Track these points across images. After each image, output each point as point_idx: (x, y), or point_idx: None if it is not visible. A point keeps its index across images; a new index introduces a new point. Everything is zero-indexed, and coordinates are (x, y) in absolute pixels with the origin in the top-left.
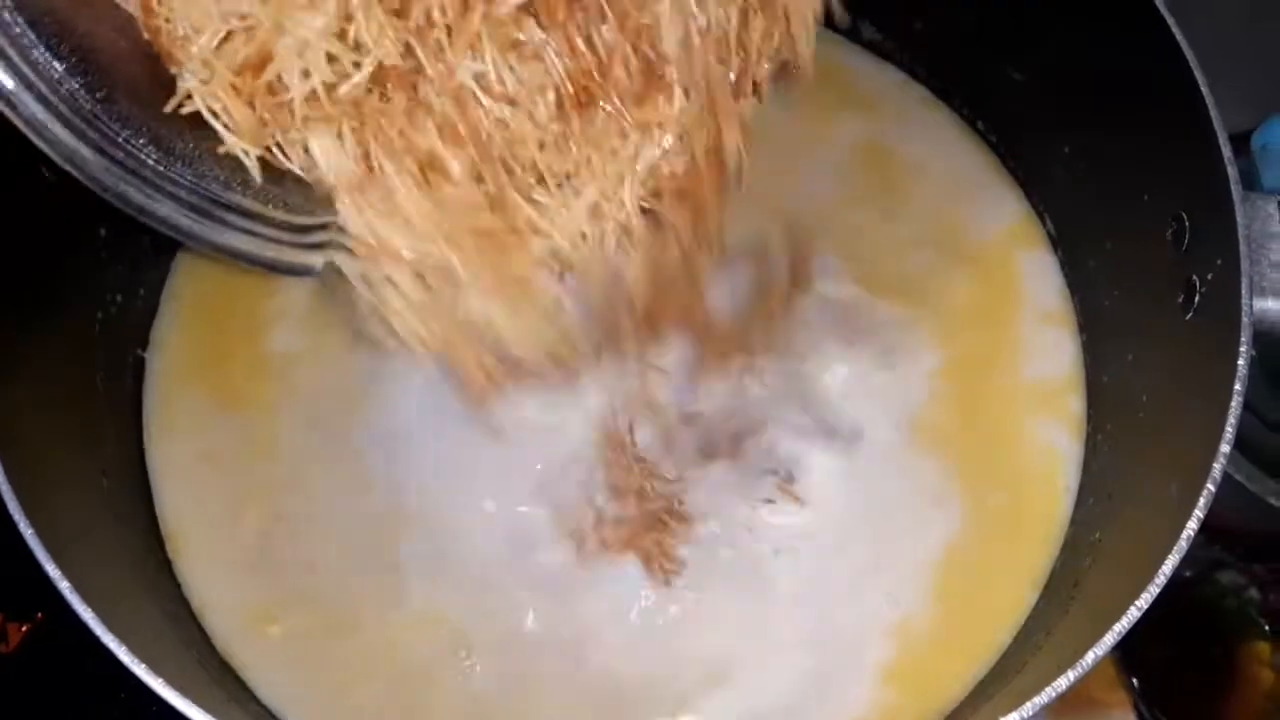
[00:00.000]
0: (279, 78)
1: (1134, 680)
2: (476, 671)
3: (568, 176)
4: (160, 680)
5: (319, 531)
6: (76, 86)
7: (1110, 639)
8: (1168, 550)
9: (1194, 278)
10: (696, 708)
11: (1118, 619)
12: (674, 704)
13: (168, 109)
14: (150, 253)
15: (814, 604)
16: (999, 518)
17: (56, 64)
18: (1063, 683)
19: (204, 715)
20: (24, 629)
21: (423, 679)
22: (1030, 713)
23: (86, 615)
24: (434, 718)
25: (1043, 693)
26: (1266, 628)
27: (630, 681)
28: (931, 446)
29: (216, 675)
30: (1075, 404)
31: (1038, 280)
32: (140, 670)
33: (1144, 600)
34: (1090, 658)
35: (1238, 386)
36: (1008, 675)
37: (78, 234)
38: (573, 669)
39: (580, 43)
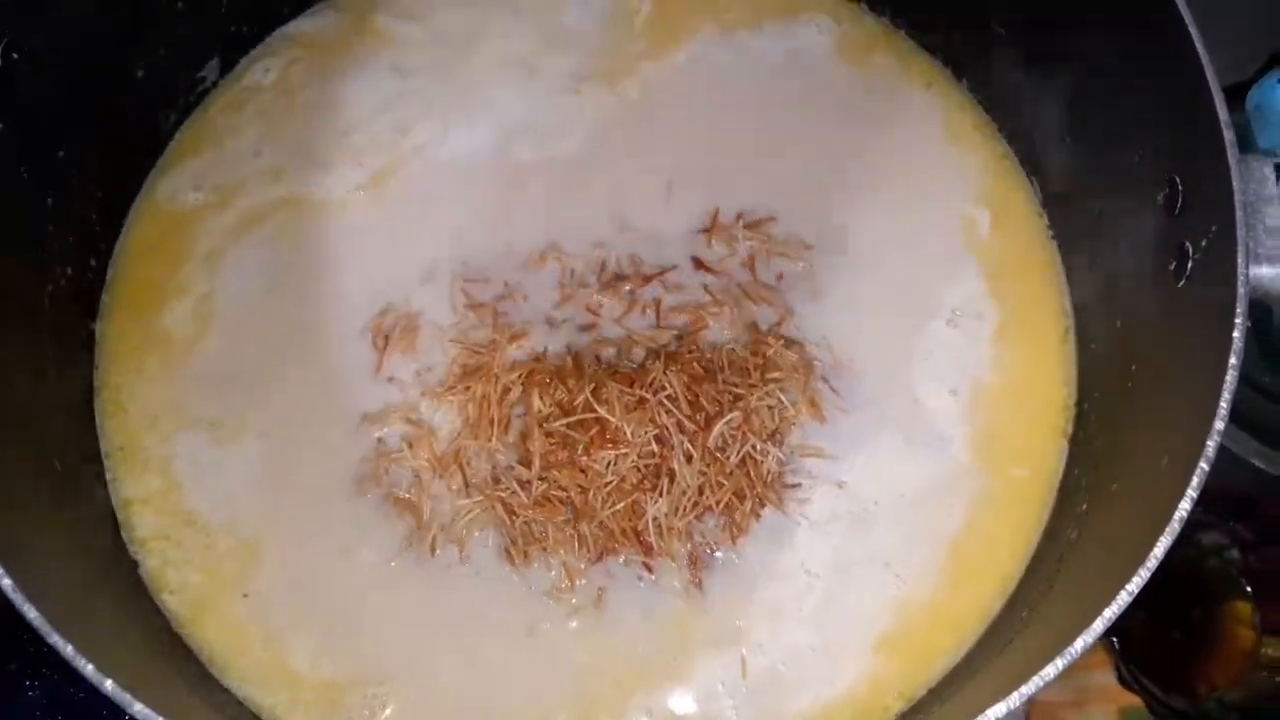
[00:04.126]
0: None
1: (1114, 640)
2: None
3: None
4: (111, 682)
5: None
6: None
7: (1100, 625)
8: (1160, 530)
9: (1187, 244)
10: (690, 673)
11: (1105, 601)
12: (673, 664)
13: None
14: (99, 220)
15: (828, 581)
16: (1014, 492)
17: None
18: (1050, 671)
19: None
20: None
21: None
22: (1018, 703)
23: (31, 615)
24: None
25: (1030, 681)
26: (1248, 588)
27: (639, 640)
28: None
29: (180, 664)
30: (1061, 371)
31: (1019, 242)
32: (89, 670)
33: (1135, 585)
34: (1080, 644)
35: (1233, 360)
36: (991, 652)
37: (24, 203)
38: (596, 625)
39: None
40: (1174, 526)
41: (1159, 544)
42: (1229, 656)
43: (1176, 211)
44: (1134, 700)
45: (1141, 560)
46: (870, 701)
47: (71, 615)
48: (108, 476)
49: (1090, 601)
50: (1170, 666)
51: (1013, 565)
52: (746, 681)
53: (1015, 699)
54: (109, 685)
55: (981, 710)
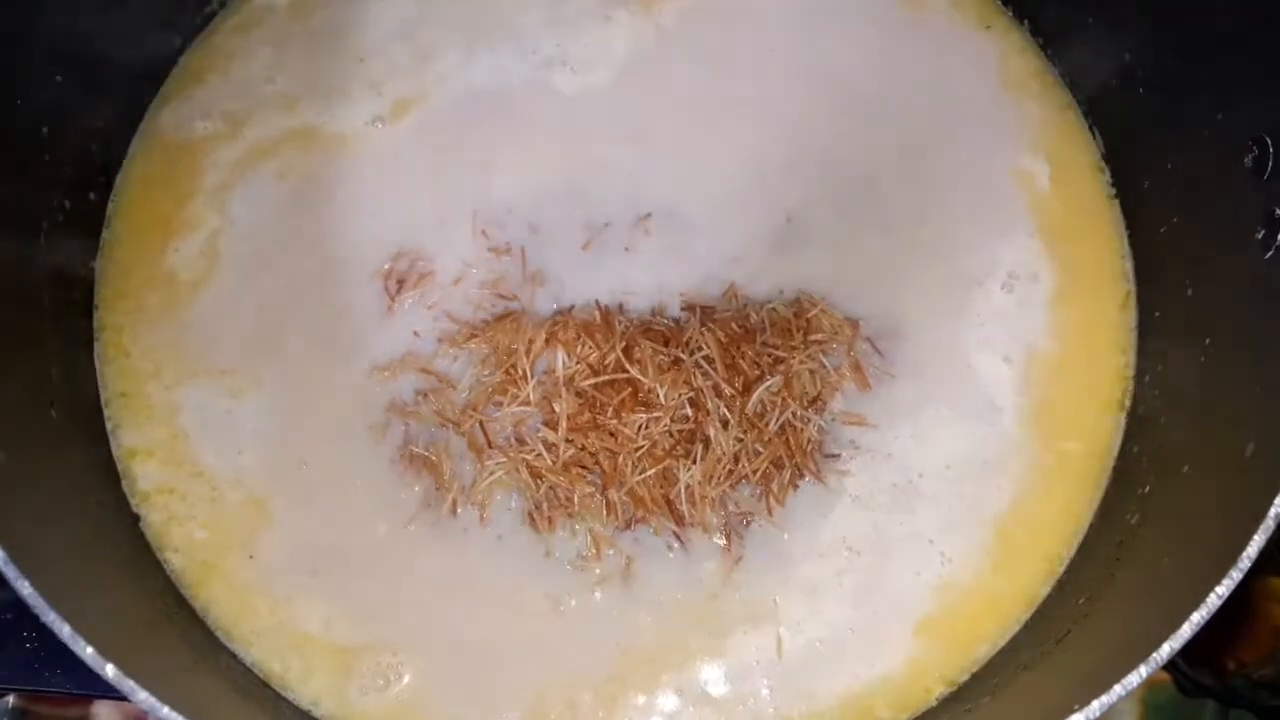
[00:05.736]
0: None
1: None
2: None
3: None
4: (113, 667)
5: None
6: None
7: (1188, 630)
8: (1255, 525)
9: (1277, 211)
10: (723, 650)
11: (1191, 602)
12: (706, 640)
13: None
14: (99, 151)
15: (870, 559)
16: (1064, 467)
17: None
18: (1134, 679)
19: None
20: None
21: None
22: (1098, 713)
23: (26, 591)
24: None
25: (1112, 690)
26: None
27: (669, 614)
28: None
29: (183, 627)
30: (1119, 339)
31: (1079, 199)
32: (89, 654)
33: (1224, 587)
34: (1166, 650)
35: None
36: (1045, 642)
37: (17, 131)
38: (624, 597)
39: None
40: (1269, 524)
41: (1253, 542)
42: (1259, 634)
43: (1266, 176)
44: (1161, 675)
45: (1234, 559)
46: (911, 684)
47: (69, 584)
48: (108, 426)
49: (1165, 598)
50: (1199, 642)
51: (1061, 546)
52: (782, 661)
53: (1095, 709)
54: (110, 670)
55: (1060, 717)
